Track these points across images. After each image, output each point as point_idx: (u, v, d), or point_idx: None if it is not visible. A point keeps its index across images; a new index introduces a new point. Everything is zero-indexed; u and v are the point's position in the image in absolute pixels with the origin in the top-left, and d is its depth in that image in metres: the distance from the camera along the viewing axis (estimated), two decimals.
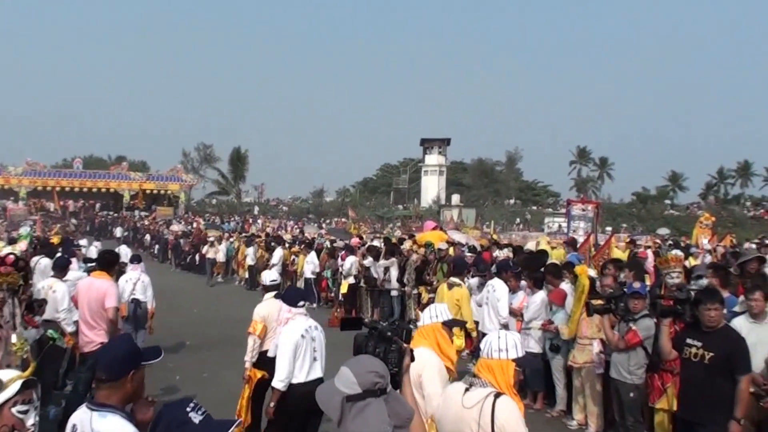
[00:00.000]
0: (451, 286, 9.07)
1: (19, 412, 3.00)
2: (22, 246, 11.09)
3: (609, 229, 26.50)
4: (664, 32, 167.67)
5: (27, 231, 23.50)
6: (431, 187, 67.07)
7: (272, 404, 5.49)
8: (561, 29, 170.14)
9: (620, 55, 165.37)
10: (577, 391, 7.59)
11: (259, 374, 6.30)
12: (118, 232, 39.86)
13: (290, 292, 6.09)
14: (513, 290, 9.10)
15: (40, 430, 3.17)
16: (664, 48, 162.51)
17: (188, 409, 2.55)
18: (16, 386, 3.01)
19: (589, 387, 7.35)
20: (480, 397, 3.20)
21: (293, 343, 5.44)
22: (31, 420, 3.02)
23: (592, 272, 8.21)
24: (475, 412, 3.17)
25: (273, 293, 6.94)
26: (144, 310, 9.91)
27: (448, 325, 4.13)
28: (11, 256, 6.13)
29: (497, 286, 9.06)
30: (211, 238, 24.34)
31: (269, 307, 6.66)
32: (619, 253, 13.42)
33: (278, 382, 5.42)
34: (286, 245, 20.23)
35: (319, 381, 5.38)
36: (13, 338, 5.48)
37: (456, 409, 3.28)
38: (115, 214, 48.34)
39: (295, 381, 5.45)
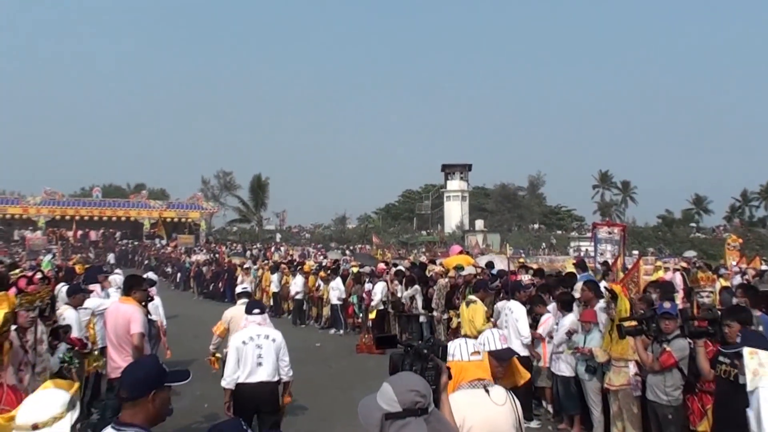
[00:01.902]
0: (468, 303, 9.78)
1: None
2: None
3: (636, 252, 26.18)
4: (685, 54, 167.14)
5: (49, 259, 23.82)
6: (454, 213, 66.91)
7: (225, 400, 6.26)
8: (582, 54, 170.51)
9: (638, 79, 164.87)
10: (615, 415, 7.34)
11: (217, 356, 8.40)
12: (111, 258, 40.03)
13: (249, 304, 7.06)
14: (540, 314, 9.04)
15: None
16: (684, 71, 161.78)
17: (244, 427, 2.70)
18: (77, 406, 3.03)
19: (626, 410, 7.14)
20: (503, 393, 3.52)
21: (234, 348, 6.35)
22: None
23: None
24: (508, 407, 3.48)
25: (244, 299, 8.32)
26: (155, 329, 10.19)
27: (496, 356, 3.88)
28: (37, 275, 6.18)
29: (514, 307, 8.92)
30: (247, 266, 24.26)
31: (236, 310, 8.08)
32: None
33: (222, 380, 6.32)
34: (305, 271, 19.97)
35: (262, 384, 6.26)
36: (62, 348, 5.61)
37: (488, 409, 3.41)
38: (136, 243, 48.51)
39: (238, 381, 6.26)
